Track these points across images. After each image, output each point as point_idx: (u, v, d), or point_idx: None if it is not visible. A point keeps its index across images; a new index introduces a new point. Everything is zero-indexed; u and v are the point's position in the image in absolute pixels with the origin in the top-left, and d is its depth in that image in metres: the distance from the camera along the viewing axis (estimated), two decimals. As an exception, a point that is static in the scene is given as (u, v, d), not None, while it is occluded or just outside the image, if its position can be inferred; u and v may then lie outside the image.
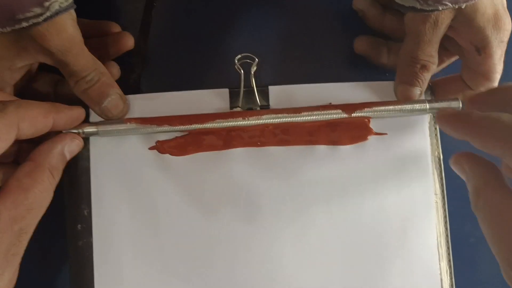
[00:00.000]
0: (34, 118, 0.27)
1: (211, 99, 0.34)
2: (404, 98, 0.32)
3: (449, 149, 0.33)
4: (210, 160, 0.33)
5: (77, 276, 0.33)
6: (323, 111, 0.32)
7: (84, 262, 0.32)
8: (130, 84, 0.36)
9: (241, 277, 0.32)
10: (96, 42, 0.34)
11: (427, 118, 0.34)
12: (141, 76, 0.37)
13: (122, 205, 0.33)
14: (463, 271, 0.34)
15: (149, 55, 0.38)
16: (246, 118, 0.32)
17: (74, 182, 0.33)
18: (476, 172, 0.26)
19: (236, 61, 0.33)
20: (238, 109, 0.33)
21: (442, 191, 0.33)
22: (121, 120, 0.32)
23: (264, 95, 0.34)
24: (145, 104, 0.33)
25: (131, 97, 0.33)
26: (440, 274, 0.33)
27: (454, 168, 0.28)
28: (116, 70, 0.34)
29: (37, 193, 0.27)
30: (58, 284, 0.36)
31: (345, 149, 0.33)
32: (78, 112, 0.31)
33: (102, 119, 0.32)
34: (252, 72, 0.33)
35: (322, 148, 0.33)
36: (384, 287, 0.32)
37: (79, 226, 0.33)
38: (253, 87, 0.33)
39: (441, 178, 0.33)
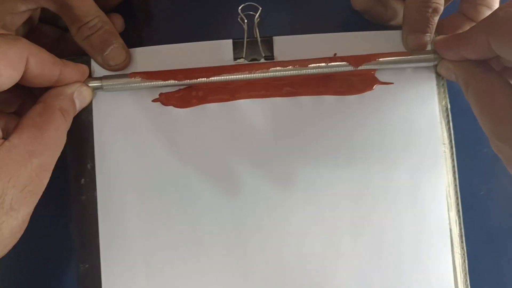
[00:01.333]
0: (43, 59, 0.27)
1: (214, 51, 0.33)
2: (416, 47, 0.32)
3: (456, 100, 0.33)
4: (215, 112, 0.33)
5: (81, 231, 0.32)
6: (329, 64, 0.32)
7: (88, 217, 0.32)
8: (131, 38, 0.36)
9: (250, 237, 0.32)
10: None
11: (433, 68, 0.33)
12: (142, 30, 0.36)
13: (126, 158, 0.32)
14: (472, 223, 0.33)
15: (150, 7, 0.37)
16: (253, 72, 0.32)
17: (77, 136, 0.32)
18: (462, 67, 0.29)
19: (240, 11, 0.32)
20: (242, 60, 0.33)
21: (450, 141, 0.33)
22: (125, 74, 0.32)
23: (269, 45, 0.33)
24: (147, 56, 0.33)
25: (133, 50, 0.33)
26: (449, 223, 0.32)
27: (442, 72, 0.32)
28: (120, 22, 0.34)
29: (52, 131, 0.26)
30: (60, 239, 0.35)
31: (352, 100, 0.33)
32: (83, 69, 0.31)
33: (105, 74, 0.32)
34: (256, 22, 0.32)
35: (328, 99, 0.33)
36: (394, 238, 0.32)
37: (82, 180, 0.32)
38: (257, 37, 0.33)
39: (449, 128, 0.33)
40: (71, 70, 0.30)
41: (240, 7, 0.32)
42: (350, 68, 0.32)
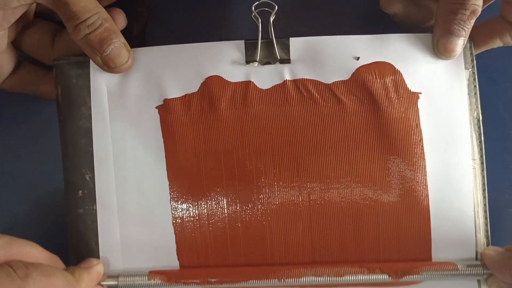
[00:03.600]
0: None
1: (225, 52, 0.30)
2: (448, 51, 0.29)
3: (488, 110, 0.30)
4: None
5: (78, 244, 0.30)
6: (368, 275, 0.29)
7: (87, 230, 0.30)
8: (134, 36, 0.33)
9: None
10: None
11: (465, 76, 0.30)
12: (146, 27, 0.34)
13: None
14: (501, 243, 0.31)
15: (155, 2, 0.34)
16: (284, 278, 0.29)
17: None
18: None
19: (254, 9, 0.29)
20: (255, 63, 0.30)
21: (481, 156, 0.30)
22: (144, 274, 0.29)
23: (285, 47, 0.30)
24: (152, 58, 0.30)
25: (136, 50, 0.30)
26: (476, 246, 0.30)
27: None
28: (121, 17, 0.30)
29: None
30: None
31: None
32: (97, 272, 0.28)
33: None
34: (271, 21, 0.29)
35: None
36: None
37: (80, 192, 0.30)
38: (272, 38, 0.30)
39: (480, 142, 0.30)
40: (86, 285, 0.27)
41: (254, 5, 0.29)
42: (390, 279, 0.29)
